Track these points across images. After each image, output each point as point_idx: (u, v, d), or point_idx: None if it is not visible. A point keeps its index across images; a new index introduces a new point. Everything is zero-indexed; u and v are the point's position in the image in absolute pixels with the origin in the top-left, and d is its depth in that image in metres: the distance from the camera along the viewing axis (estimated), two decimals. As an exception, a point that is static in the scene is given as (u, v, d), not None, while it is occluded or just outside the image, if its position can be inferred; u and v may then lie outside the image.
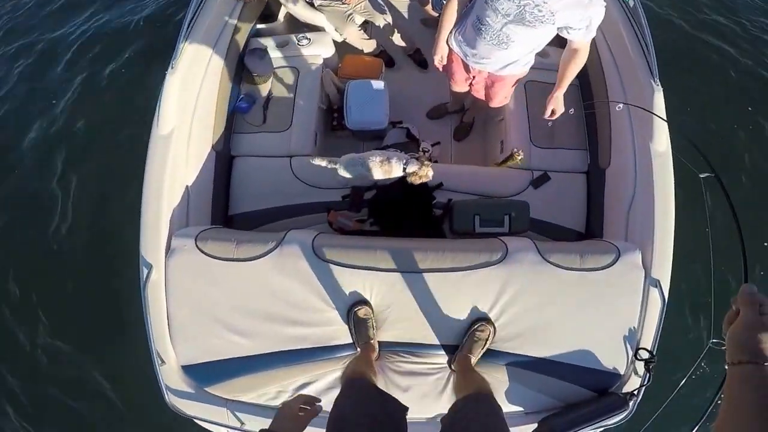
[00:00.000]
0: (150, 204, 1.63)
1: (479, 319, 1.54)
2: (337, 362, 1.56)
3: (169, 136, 1.71)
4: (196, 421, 1.56)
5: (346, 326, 1.54)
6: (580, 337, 1.51)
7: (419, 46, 2.80)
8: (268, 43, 2.54)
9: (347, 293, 1.53)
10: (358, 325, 1.53)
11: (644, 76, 1.78)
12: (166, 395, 1.52)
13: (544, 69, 2.15)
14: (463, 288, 1.53)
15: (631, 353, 1.51)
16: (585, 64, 1.67)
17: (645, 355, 1.49)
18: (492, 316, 1.53)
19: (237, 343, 1.51)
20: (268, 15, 2.77)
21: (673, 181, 1.65)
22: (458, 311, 1.54)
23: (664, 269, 1.53)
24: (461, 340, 1.54)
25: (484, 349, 1.53)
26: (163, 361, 1.52)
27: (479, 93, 2.13)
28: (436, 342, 1.56)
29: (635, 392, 1.48)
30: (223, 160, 2.07)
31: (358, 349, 1.55)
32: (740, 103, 3.19)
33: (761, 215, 2.75)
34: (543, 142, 2.17)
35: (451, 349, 1.57)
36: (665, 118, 1.68)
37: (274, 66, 2.47)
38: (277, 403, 1.56)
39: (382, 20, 2.60)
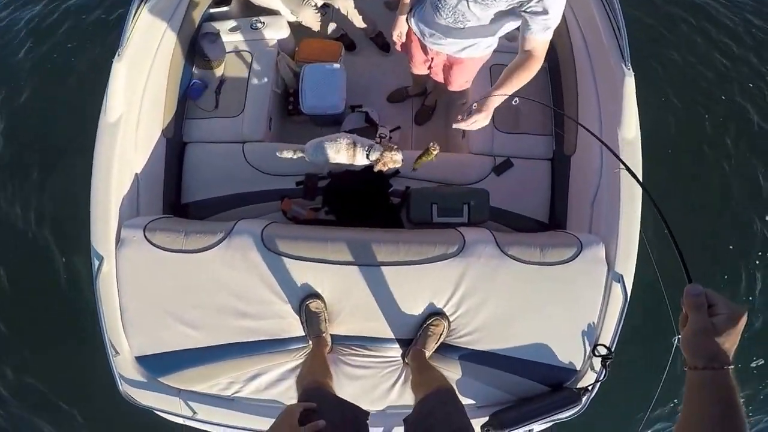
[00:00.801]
0: (99, 194, 1.59)
1: (434, 313, 1.51)
2: (288, 354, 1.55)
3: (117, 123, 1.66)
4: (150, 410, 1.57)
5: (298, 319, 1.52)
6: (537, 332, 1.49)
7: (382, 29, 2.69)
8: (221, 27, 2.43)
9: (299, 285, 1.51)
10: (310, 319, 1.50)
11: (615, 59, 1.69)
12: (120, 385, 1.52)
13: (511, 52, 2.01)
14: (419, 281, 1.50)
15: (588, 349, 1.50)
16: (554, 46, 1.55)
17: (603, 351, 1.47)
18: (447, 310, 1.50)
19: (188, 335, 1.50)
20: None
21: (641, 171, 1.57)
22: (413, 305, 1.51)
23: (628, 264, 1.49)
24: (415, 334, 1.51)
25: (438, 344, 1.50)
26: (117, 352, 1.51)
27: (438, 76, 2.05)
28: (390, 336, 1.53)
29: (589, 387, 1.48)
30: (175, 147, 2.03)
31: (310, 342, 1.52)
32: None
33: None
34: (507, 127, 2.09)
35: (404, 343, 1.54)
36: (635, 103, 1.60)
37: (227, 50, 2.37)
38: (229, 393, 1.56)
39: (342, 2, 2.50)
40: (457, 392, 1.32)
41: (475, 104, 1.40)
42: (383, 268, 1.49)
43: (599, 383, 1.48)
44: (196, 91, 2.30)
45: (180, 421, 1.59)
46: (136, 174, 1.77)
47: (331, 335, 1.54)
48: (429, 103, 2.51)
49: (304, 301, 1.50)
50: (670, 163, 2.83)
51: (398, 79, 2.58)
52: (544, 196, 2.01)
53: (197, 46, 2.30)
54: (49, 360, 2.52)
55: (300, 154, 1.87)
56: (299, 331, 1.53)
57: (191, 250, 1.50)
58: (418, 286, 1.50)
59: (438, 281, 1.49)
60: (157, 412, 1.58)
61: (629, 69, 1.61)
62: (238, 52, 2.36)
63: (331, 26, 2.64)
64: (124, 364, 1.54)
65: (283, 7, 2.49)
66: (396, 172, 2.02)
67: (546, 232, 1.83)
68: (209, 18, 2.49)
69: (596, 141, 1.64)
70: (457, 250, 1.49)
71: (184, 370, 1.54)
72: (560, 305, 1.49)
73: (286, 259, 1.50)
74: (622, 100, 1.60)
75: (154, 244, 1.50)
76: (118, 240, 1.55)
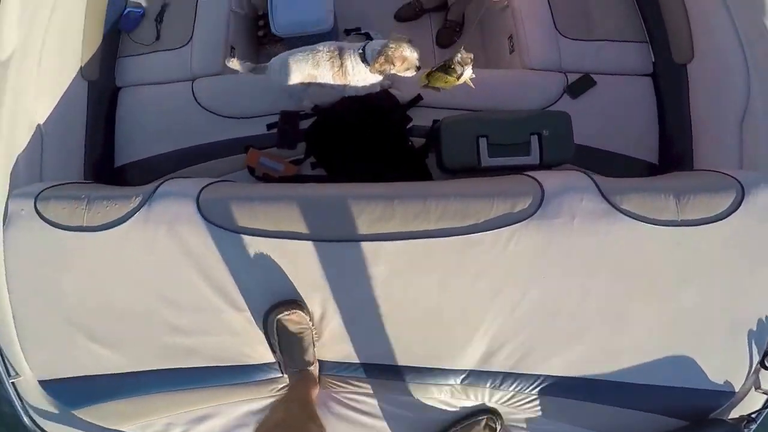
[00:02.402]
0: None
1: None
2: (251, 390, 1.09)
3: (7, 62, 1.33)
4: None
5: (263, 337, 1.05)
6: (669, 338, 1.01)
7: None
8: None
9: (263, 281, 1.02)
10: (286, 341, 0.99)
11: None
12: (23, 416, 1.17)
13: None
14: (465, 264, 0.97)
15: (755, 358, 1.02)
16: None
17: None
18: (517, 313, 0.98)
19: (101, 356, 1.12)
20: None
21: None
22: (458, 307, 0.99)
23: None
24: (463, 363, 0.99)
25: None
26: (16, 374, 1.17)
27: None
28: (420, 364, 1.02)
29: (754, 415, 1.02)
30: (103, 93, 1.63)
31: (285, 375, 1.04)
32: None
33: None
34: (577, 33, 1.58)
35: (443, 375, 1.02)
36: None
37: None
38: None
39: None
40: None
41: None
42: (402, 243, 0.96)
43: None
44: (131, 21, 1.77)
45: None
46: (39, 126, 1.40)
47: (319, 362, 1.02)
48: (454, 17, 1.88)
49: (273, 311, 0.99)
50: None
51: None
52: (648, 125, 1.49)
53: None
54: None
55: (262, 74, 1.26)
56: (265, 356, 1.05)
57: (94, 226, 1.07)
58: (464, 270, 0.97)
59: (499, 263, 0.96)
60: None
61: None
62: None
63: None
64: (29, 389, 1.18)
65: None
66: (417, 98, 1.38)
67: (670, 174, 1.25)
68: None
69: (731, 36, 1.30)
70: (531, 206, 0.96)
71: (101, 402, 1.16)
72: (708, 290, 0.99)
73: (239, 237, 1.00)
74: None
75: (46, 220, 1.11)
76: (6, 217, 1.19)
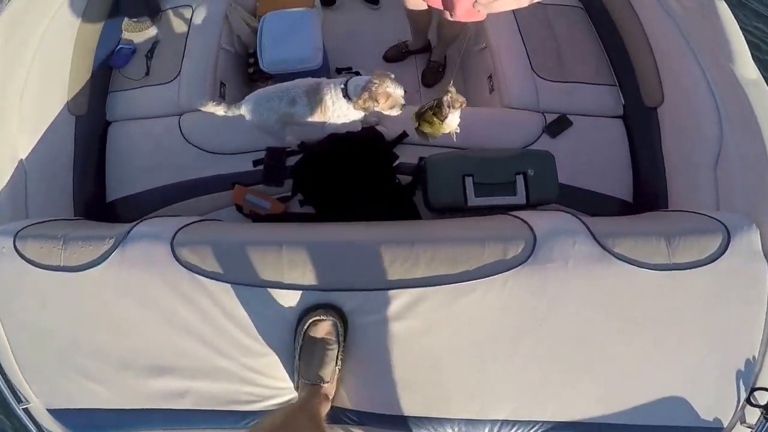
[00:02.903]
0: None
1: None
2: None
3: None
4: None
5: (250, 380, 1.00)
6: (661, 378, 1.00)
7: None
8: None
9: (241, 328, 0.98)
10: (309, 347, 0.93)
11: None
12: None
13: None
14: (458, 312, 0.94)
15: (742, 395, 1.01)
16: None
17: (765, 398, 0.98)
18: (514, 362, 0.96)
19: (96, 392, 1.08)
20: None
21: None
22: (451, 355, 0.96)
23: None
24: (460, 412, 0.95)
25: None
26: (26, 401, 1.14)
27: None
28: (416, 413, 0.97)
29: None
30: (93, 128, 1.61)
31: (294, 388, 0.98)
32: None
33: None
34: (552, 74, 1.62)
35: (440, 424, 0.97)
36: (737, 28, 1.24)
37: (163, 8, 1.86)
38: None
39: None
40: None
41: None
42: (393, 292, 0.94)
43: None
44: (122, 58, 1.79)
45: None
46: (22, 161, 1.38)
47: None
48: (437, 58, 1.93)
49: (310, 312, 0.94)
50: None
51: (393, 34, 2.05)
52: (622, 165, 1.51)
53: (122, 6, 1.81)
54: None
55: (235, 111, 1.27)
56: (250, 401, 1.00)
57: (72, 267, 1.04)
58: (457, 320, 0.94)
59: (493, 310, 0.94)
60: None
61: None
62: (174, 8, 1.85)
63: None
64: (41, 414, 1.14)
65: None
66: (402, 136, 1.40)
67: (653, 213, 1.26)
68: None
69: (701, 82, 1.33)
70: (524, 252, 0.94)
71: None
72: (700, 332, 0.99)
73: (216, 283, 0.96)
74: (722, 29, 1.24)
75: (25, 258, 1.09)
76: None
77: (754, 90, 1.19)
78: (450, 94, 1.09)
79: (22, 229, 1.12)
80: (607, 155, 1.52)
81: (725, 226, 0.98)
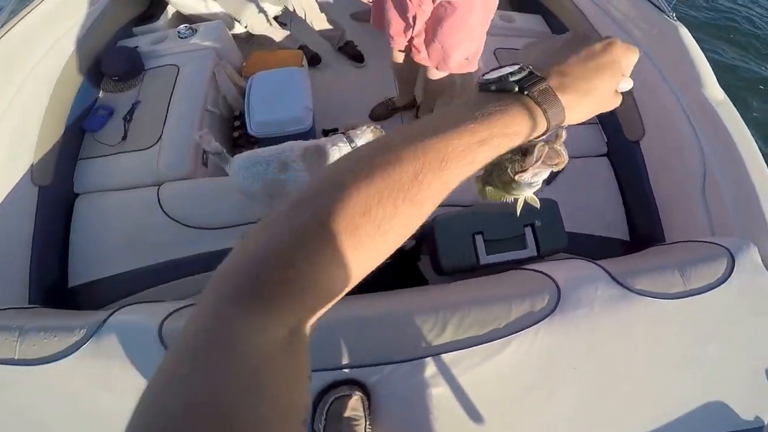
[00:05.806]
0: None
1: None
2: None
3: None
4: None
5: None
6: (706, 391, 1.04)
7: (350, 38, 2.19)
8: (140, 41, 1.90)
9: None
10: (334, 426, 0.85)
11: (652, 15, 1.44)
12: None
13: (512, 36, 1.93)
14: (493, 371, 0.91)
15: None
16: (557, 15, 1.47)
17: None
18: (555, 412, 0.95)
19: None
20: (148, 16, 2.13)
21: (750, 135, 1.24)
22: (490, 414, 0.92)
23: None
24: None
25: None
26: None
27: (422, 52, 1.50)
28: None
29: None
30: (56, 201, 1.46)
31: None
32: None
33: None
34: None
35: None
36: (702, 56, 1.34)
37: (147, 67, 1.81)
38: None
39: (300, 8, 2.00)
40: None
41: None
42: (416, 362, 0.90)
43: None
44: (96, 120, 1.70)
45: None
46: None
47: None
48: (424, 114, 1.90)
49: (332, 389, 0.89)
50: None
51: (379, 92, 2.06)
52: (613, 203, 1.54)
53: (103, 64, 1.77)
54: None
55: (225, 167, 1.20)
56: None
57: (29, 360, 0.93)
58: (494, 377, 0.91)
59: (528, 364, 0.92)
60: None
61: (675, 20, 1.39)
62: (159, 68, 1.80)
63: (287, 38, 2.10)
64: None
65: (226, 17, 1.97)
66: None
67: (654, 249, 1.28)
68: (129, 35, 2.01)
69: (677, 109, 1.38)
70: (550, 303, 0.95)
71: None
72: (726, 343, 1.06)
73: None
74: (689, 55, 1.34)
75: None
76: None
77: (724, 110, 1.27)
78: (543, 145, 0.96)
79: None
80: (599, 196, 1.54)
81: (727, 249, 1.06)
